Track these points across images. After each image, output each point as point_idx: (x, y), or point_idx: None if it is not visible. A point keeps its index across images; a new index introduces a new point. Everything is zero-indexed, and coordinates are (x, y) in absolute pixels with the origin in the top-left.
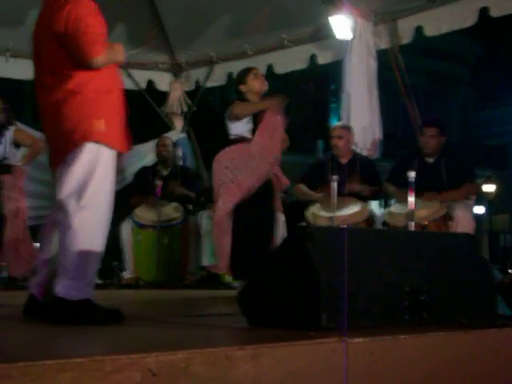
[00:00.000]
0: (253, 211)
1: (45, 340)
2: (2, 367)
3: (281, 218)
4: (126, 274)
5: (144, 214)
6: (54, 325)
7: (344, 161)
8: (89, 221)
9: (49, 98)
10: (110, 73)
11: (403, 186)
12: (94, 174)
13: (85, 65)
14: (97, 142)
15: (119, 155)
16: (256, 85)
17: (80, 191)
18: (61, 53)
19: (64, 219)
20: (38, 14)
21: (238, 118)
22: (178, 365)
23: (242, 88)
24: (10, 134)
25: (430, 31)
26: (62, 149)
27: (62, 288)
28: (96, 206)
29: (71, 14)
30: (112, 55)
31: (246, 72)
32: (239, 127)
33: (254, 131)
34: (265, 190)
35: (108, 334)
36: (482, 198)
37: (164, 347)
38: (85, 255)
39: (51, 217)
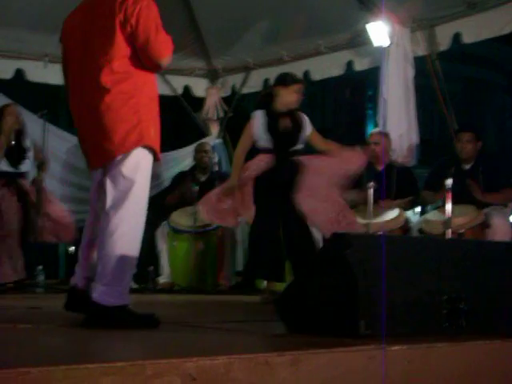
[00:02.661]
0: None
1: (85, 343)
2: (45, 370)
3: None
4: (161, 279)
5: (180, 219)
6: (89, 329)
7: (380, 167)
8: (128, 228)
9: (104, 98)
10: (154, 79)
11: (440, 192)
12: (138, 179)
13: (153, 65)
14: (147, 146)
15: (154, 162)
16: (293, 99)
17: (123, 196)
18: (126, 50)
19: (105, 226)
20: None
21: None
22: (217, 370)
23: (279, 90)
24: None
25: (468, 38)
26: (110, 151)
27: (98, 294)
28: (135, 212)
29: (143, 11)
30: None
31: (294, 80)
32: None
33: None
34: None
35: (147, 338)
36: None
37: (203, 352)
38: (122, 262)
39: (92, 218)
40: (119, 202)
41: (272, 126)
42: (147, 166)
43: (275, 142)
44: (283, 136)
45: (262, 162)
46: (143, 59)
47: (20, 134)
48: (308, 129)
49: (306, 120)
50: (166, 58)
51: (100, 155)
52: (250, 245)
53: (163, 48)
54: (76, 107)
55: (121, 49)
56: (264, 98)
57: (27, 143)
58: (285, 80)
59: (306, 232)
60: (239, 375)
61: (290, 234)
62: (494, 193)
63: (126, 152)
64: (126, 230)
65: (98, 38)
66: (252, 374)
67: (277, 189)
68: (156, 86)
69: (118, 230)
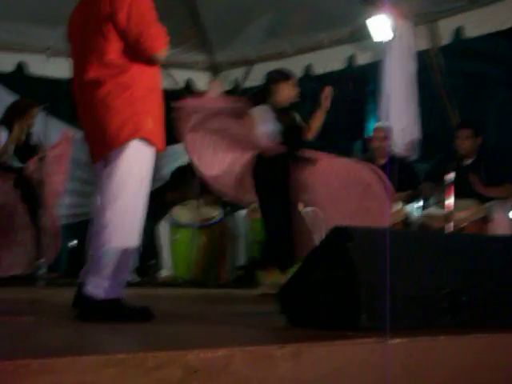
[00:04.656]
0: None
1: (86, 336)
2: (47, 361)
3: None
4: (163, 273)
5: (181, 213)
6: (89, 322)
7: (381, 162)
8: (123, 221)
9: (99, 91)
10: (155, 72)
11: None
12: (134, 172)
13: (147, 59)
14: (145, 138)
15: (157, 154)
16: (289, 95)
17: (120, 188)
18: (117, 44)
19: (100, 219)
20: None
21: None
22: (218, 362)
23: (280, 85)
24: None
25: (470, 32)
26: (108, 143)
27: (91, 286)
28: (134, 204)
29: (133, 5)
30: None
31: (288, 76)
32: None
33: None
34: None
35: (148, 331)
36: None
37: (205, 345)
38: (116, 255)
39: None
40: (115, 194)
41: (281, 120)
42: (145, 158)
43: (286, 135)
44: (293, 129)
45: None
46: (137, 53)
47: (29, 130)
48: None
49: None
50: (161, 52)
51: (98, 149)
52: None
53: (156, 42)
54: (78, 103)
55: (114, 43)
56: (261, 95)
57: (35, 139)
58: (285, 75)
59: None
60: (240, 367)
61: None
62: (497, 186)
63: (121, 145)
64: (121, 223)
65: (92, 34)
66: (253, 366)
67: (284, 184)
68: (157, 77)
69: (112, 223)
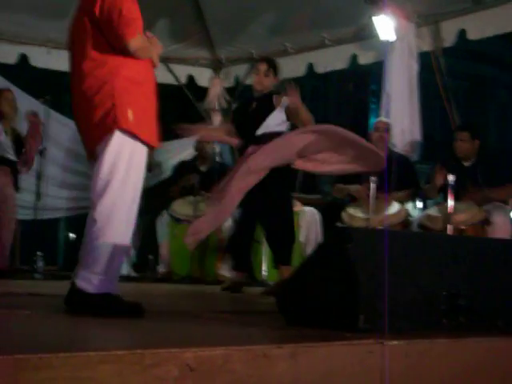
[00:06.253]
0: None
1: (84, 330)
2: (44, 357)
3: (314, 213)
4: (161, 268)
5: (181, 208)
6: (87, 316)
7: None
8: (113, 215)
9: (82, 85)
10: (143, 65)
11: (442, 190)
12: (120, 165)
13: (121, 48)
14: (125, 129)
15: (150, 149)
16: (253, 82)
17: (106, 183)
18: (97, 37)
19: (90, 213)
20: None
21: None
22: (216, 361)
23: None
24: None
25: (473, 35)
26: (93, 138)
27: (81, 280)
28: (121, 199)
29: None
30: (149, 48)
31: (255, 63)
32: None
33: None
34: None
35: (146, 327)
36: None
37: (202, 343)
38: (108, 250)
39: None
40: (102, 189)
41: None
42: (131, 152)
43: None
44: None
45: None
46: (112, 43)
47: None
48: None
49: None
50: (134, 40)
51: (88, 145)
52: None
53: (128, 29)
54: (71, 98)
55: (92, 37)
56: None
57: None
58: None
59: (283, 220)
60: (237, 367)
61: (267, 222)
62: (497, 188)
63: (104, 139)
64: (110, 217)
65: (80, 28)
66: (250, 365)
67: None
68: (144, 69)
69: (101, 218)
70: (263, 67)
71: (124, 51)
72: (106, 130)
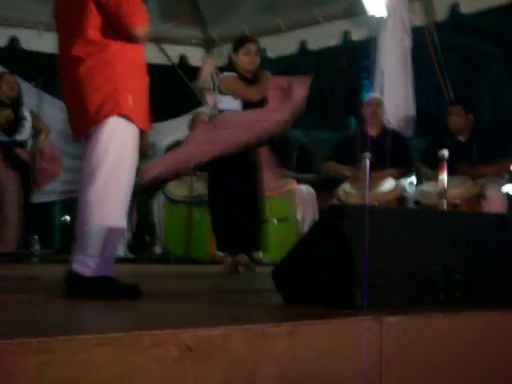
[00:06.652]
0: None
1: (82, 313)
2: (43, 340)
3: (310, 192)
4: (157, 249)
5: (176, 189)
6: (86, 299)
7: (373, 133)
8: (106, 197)
9: (80, 67)
10: (139, 49)
11: (436, 165)
12: (113, 149)
13: (125, 35)
14: (124, 115)
15: (142, 133)
16: (244, 61)
17: (98, 165)
18: (99, 20)
19: (83, 196)
20: None
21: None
22: (214, 341)
23: (233, 57)
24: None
25: (466, 8)
26: (88, 120)
27: (77, 264)
28: (114, 181)
29: None
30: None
31: (241, 42)
32: (229, 102)
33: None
34: (249, 164)
35: (143, 309)
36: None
37: (201, 323)
38: (102, 233)
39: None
40: (95, 171)
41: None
42: (125, 135)
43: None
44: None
45: None
46: (116, 29)
47: (16, 102)
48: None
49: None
50: (139, 29)
51: (78, 125)
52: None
53: (134, 17)
54: (61, 79)
55: (94, 19)
56: (230, 67)
57: (24, 112)
58: (234, 47)
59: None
60: (236, 346)
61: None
62: (489, 164)
63: (101, 121)
64: (103, 199)
65: (74, 10)
66: (249, 344)
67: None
68: (140, 53)
69: (94, 200)
70: (254, 47)
71: (129, 38)
72: (104, 114)
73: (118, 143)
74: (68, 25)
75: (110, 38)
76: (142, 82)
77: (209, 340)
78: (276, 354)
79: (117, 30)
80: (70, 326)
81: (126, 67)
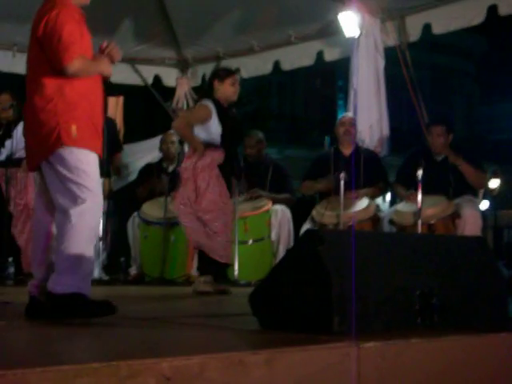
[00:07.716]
0: None
1: (58, 341)
2: (20, 372)
3: (285, 212)
4: (132, 270)
5: (151, 210)
6: (61, 325)
7: (347, 152)
8: (77, 222)
9: (30, 104)
10: (87, 79)
11: (412, 185)
12: (75, 174)
13: (59, 71)
14: (69, 146)
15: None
16: (229, 92)
17: (62, 195)
18: (41, 58)
19: (59, 218)
20: None
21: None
22: (192, 370)
23: (216, 84)
24: (19, 129)
25: (438, 29)
26: (38, 154)
27: (52, 283)
28: (81, 207)
29: (50, 20)
30: (93, 66)
31: (228, 73)
32: (210, 131)
33: (222, 136)
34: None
35: (120, 336)
36: (486, 193)
37: (178, 351)
38: (77, 252)
39: (38, 216)
40: (60, 201)
41: (223, 117)
42: (77, 162)
43: (226, 134)
44: (234, 129)
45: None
46: (52, 66)
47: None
48: None
49: None
50: (70, 66)
51: (32, 158)
52: None
53: (66, 55)
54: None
55: (39, 57)
56: (208, 89)
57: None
58: (218, 74)
59: None
60: (214, 375)
61: None
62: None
63: (48, 155)
64: (74, 223)
65: (31, 48)
66: (226, 373)
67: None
68: (90, 83)
69: (66, 225)
70: (238, 78)
71: (63, 74)
72: (50, 148)
73: (75, 170)
74: (29, 62)
75: (52, 75)
76: (92, 108)
77: (186, 369)
78: (254, 383)
79: (53, 66)
80: (46, 355)
81: (72, 98)
